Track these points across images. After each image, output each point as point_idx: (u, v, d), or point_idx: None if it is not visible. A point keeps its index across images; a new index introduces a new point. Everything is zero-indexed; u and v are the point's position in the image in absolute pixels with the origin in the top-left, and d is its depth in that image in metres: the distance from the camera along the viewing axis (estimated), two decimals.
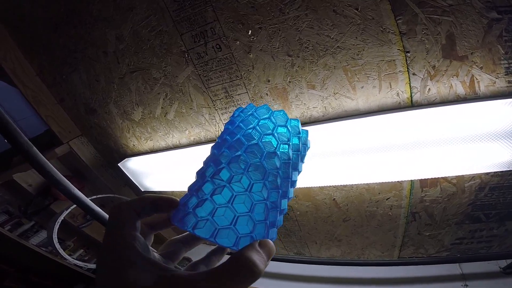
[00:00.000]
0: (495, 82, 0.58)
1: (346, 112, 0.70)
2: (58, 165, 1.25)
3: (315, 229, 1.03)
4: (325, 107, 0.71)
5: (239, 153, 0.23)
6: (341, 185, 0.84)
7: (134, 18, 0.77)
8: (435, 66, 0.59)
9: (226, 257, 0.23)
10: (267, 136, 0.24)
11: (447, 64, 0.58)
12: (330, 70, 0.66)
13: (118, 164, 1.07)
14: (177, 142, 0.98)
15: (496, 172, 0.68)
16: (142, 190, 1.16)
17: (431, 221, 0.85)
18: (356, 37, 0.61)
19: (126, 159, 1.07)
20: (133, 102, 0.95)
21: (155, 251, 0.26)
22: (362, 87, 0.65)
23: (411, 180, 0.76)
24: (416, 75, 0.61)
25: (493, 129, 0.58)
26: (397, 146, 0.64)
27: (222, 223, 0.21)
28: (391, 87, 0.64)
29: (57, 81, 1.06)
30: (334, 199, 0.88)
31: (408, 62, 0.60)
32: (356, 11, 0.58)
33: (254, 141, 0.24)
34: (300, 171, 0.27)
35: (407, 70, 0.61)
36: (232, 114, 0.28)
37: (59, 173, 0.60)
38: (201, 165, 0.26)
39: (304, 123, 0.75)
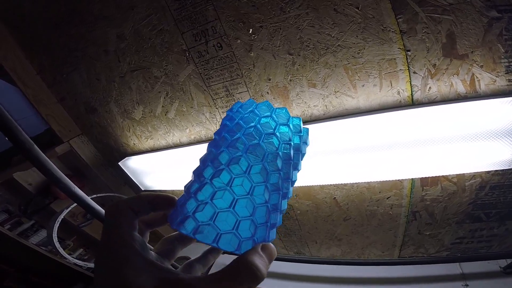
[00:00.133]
0: (495, 81, 0.58)
1: (347, 110, 0.70)
2: (58, 164, 1.25)
3: (315, 228, 1.02)
4: (326, 105, 0.71)
5: (239, 153, 0.22)
6: (341, 184, 0.84)
7: (135, 17, 0.77)
8: (435, 64, 0.59)
9: (222, 256, 0.23)
10: (269, 136, 0.23)
11: (447, 62, 0.58)
12: (331, 69, 0.66)
13: (119, 163, 1.07)
14: (178, 141, 0.98)
15: (497, 170, 0.68)
16: (142, 189, 1.16)
17: (431, 220, 0.85)
18: (357, 36, 0.61)
19: (126, 157, 1.07)
20: (133, 101, 0.95)
21: (152, 248, 0.25)
22: (363, 85, 0.65)
23: (412, 179, 0.76)
24: (416, 73, 0.61)
25: (493, 127, 0.58)
26: (398, 144, 0.64)
27: (224, 228, 0.20)
28: (392, 86, 0.64)
29: (58, 80, 1.06)
30: (335, 198, 0.88)
31: (409, 61, 0.60)
32: (356, 10, 0.58)
33: (256, 141, 0.23)
34: (299, 170, 0.26)
35: (408, 69, 0.61)
36: (230, 108, 0.26)
37: (60, 172, 0.60)
38: (198, 163, 0.25)
39: (305, 122, 0.75)
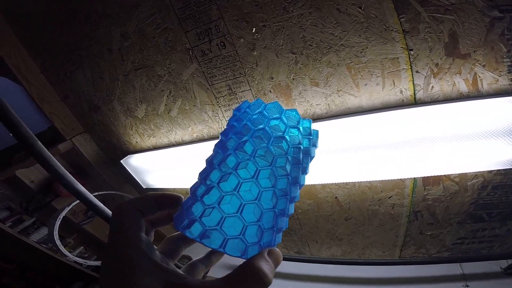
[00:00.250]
0: (498, 80, 0.58)
1: (350, 109, 0.70)
2: (60, 162, 1.25)
3: (316, 228, 1.02)
4: (328, 104, 0.72)
5: (247, 157, 0.21)
6: (343, 183, 0.84)
7: (139, 15, 0.78)
8: (438, 64, 0.60)
9: (226, 256, 0.23)
10: (278, 140, 0.22)
11: (450, 62, 0.59)
12: (334, 68, 0.66)
13: (121, 161, 1.07)
14: (180, 139, 0.98)
15: (499, 170, 0.68)
16: (144, 187, 1.16)
17: (433, 220, 0.85)
18: (360, 35, 0.61)
19: (128, 155, 1.08)
20: (137, 99, 0.95)
21: (156, 248, 0.26)
22: (366, 84, 0.66)
23: (414, 178, 0.76)
24: (419, 72, 0.61)
25: (496, 126, 0.58)
26: (400, 143, 0.64)
27: (231, 233, 0.20)
28: (394, 85, 0.64)
29: (61, 78, 1.06)
30: (336, 197, 0.88)
31: (411, 60, 0.61)
32: (359, 10, 0.59)
33: (264, 145, 0.22)
34: (308, 173, 0.25)
35: (410, 68, 0.61)
36: (237, 107, 0.25)
37: (63, 168, 0.61)
38: (204, 164, 0.24)
39: None
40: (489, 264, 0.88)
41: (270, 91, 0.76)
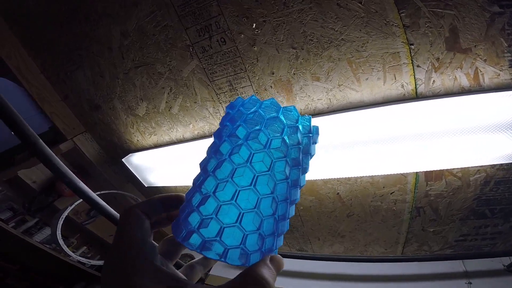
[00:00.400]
0: (499, 75, 0.58)
1: (351, 103, 0.70)
2: (62, 162, 1.26)
3: (318, 225, 1.02)
4: (329, 99, 0.72)
5: (243, 163, 0.20)
6: (345, 179, 0.83)
7: (139, 13, 0.78)
8: (439, 58, 0.59)
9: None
10: (276, 141, 0.21)
11: (451, 56, 0.59)
12: (335, 62, 0.66)
13: (122, 160, 1.07)
14: (181, 137, 0.98)
15: (502, 165, 0.67)
16: (146, 186, 1.16)
17: (435, 217, 0.85)
18: (360, 30, 0.61)
19: (130, 154, 1.08)
20: (137, 97, 0.96)
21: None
22: (367, 78, 0.66)
23: (416, 174, 0.76)
24: (420, 67, 0.61)
25: (498, 120, 0.58)
26: (402, 137, 0.64)
27: (231, 243, 0.19)
28: (395, 79, 0.64)
29: (61, 78, 1.07)
30: (338, 193, 0.88)
31: (412, 54, 0.60)
32: (359, 5, 0.59)
33: (261, 148, 0.20)
34: (307, 172, 0.24)
35: (412, 62, 0.61)
36: (230, 105, 0.23)
37: (65, 166, 0.61)
38: (198, 169, 0.23)
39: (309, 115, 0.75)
40: (491, 261, 0.88)
41: (271, 87, 0.75)
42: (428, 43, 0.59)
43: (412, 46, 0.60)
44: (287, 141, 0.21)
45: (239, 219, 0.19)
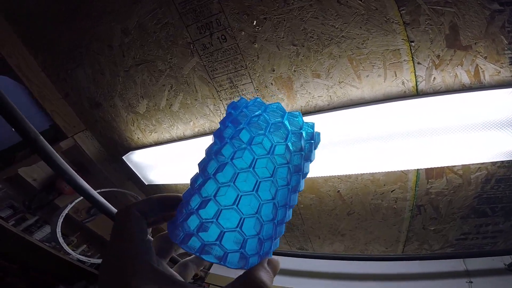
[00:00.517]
0: (499, 72, 0.58)
1: (352, 100, 0.70)
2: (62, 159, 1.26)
3: (319, 223, 1.02)
4: (330, 96, 0.72)
5: (245, 166, 0.20)
6: (346, 176, 0.83)
7: (140, 11, 0.78)
8: (439, 55, 0.59)
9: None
10: (280, 146, 0.21)
11: (451, 53, 0.59)
12: (335, 59, 0.66)
13: (123, 157, 1.08)
14: (182, 134, 0.98)
15: (503, 162, 0.67)
16: (146, 184, 1.16)
17: (436, 215, 0.84)
18: (361, 27, 0.61)
19: (130, 152, 1.08)
20: (138, 94, 0.96)
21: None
22: (367, 75, 0.66)
23: (417, 171, 0.76)
24: (421, 64, 0.61)
25: (498, 117, 0.58)
26: (403, 134, 0.64)
27: (231, 247, 0.19)
28: (396, 76, 0.64)
29: (62, 76, 1.07)
30: (339, 191, 0.88)
31: (413, 52, 0.60)
32: (360, 2, 0.59)
33: (264, 153, 0.20)
34: (306, 176, 0.24)
35: (412, 59, 0.61)
36: (233, 105, 0.23)
37: (65, 163, 0.61)
38: (198, 171, 0.22)
39: (309, 112, 0.75)
40: (493, 260, 0.88)
41: (272, 84, 0.76)
42: (428, 40, 0.59)
43: (413, 43, 0.60)
44: (291, 147, 0.21)
45: (240, 224, 0.19)
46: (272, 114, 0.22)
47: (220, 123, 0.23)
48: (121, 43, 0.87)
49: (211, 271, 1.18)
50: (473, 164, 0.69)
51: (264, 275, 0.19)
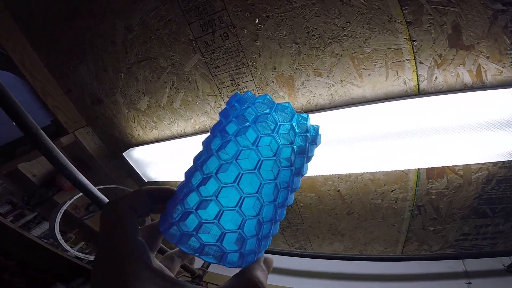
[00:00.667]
0: (502, 72, 0.58)
1: (353, 99, 0.70)
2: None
3: (318, 222, 1.02)
4: (331, 94, 0.72)
5: (251, 167, 0.19)
6: (346, 176, 0.83)
7: (143, 8, 0.79)
8: (441, 55, 0.59)
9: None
10: (285, 126, 0.21)
11: (453, 53, 0.59)
12: (337, 58, 0.66)
13: (123, 154, 1.07)
14: (182, 131, 0.98)
15: (504, 163, 0.67)
16: (146, 181, 1.16)
17: (436, 215, 0.84)
18: (363, 26, 0.61)
19: (130, 148, 1.08)
20: (139, 91, 0.96)
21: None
22: (369, 74, 0.66)
23: (418, 171, 0.76)
24: (423, 63, 0.61)
25: (500, 117, 0.58)
26: (404, 134, 0.64)
27: (231, 248, 0.19)
28: (398, 75, 0.64)
29: (65, 72, 1.07)
30: (339, 190, 0.88)
31: (415, 51, 0.61)
32: (362, 1, 0.59)
33: (269, 132, 0.20)
34: (304, 174, 0.23)
35: (414, 59, 0.61)
36: (229, 100, 0.23)
37: (65, 158, 0.61)
38: (195, 166, 0.22)
39: (310, 111, 0.75)
40: (492, 261, 0.87)
41: (273, 82, 0.76)
42: (430, 40, 0.59)
43: (415, 43, 0.60)
44: (278, 140, 0.21)
45: (242, 225, 0.19)
46: (260, 106, 0.21)
47: (226, 103, 0.23)
48: (124, 39, 0.87)
49: (209, 269, 1.18)
50: (474, 164, 0.69)
51: (260, 274, 0.20)
